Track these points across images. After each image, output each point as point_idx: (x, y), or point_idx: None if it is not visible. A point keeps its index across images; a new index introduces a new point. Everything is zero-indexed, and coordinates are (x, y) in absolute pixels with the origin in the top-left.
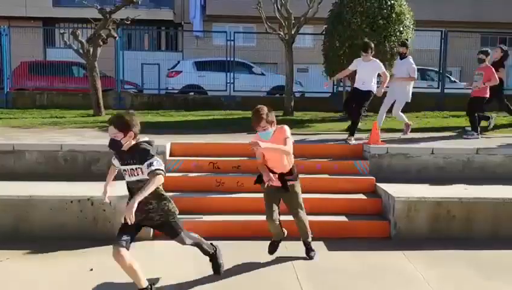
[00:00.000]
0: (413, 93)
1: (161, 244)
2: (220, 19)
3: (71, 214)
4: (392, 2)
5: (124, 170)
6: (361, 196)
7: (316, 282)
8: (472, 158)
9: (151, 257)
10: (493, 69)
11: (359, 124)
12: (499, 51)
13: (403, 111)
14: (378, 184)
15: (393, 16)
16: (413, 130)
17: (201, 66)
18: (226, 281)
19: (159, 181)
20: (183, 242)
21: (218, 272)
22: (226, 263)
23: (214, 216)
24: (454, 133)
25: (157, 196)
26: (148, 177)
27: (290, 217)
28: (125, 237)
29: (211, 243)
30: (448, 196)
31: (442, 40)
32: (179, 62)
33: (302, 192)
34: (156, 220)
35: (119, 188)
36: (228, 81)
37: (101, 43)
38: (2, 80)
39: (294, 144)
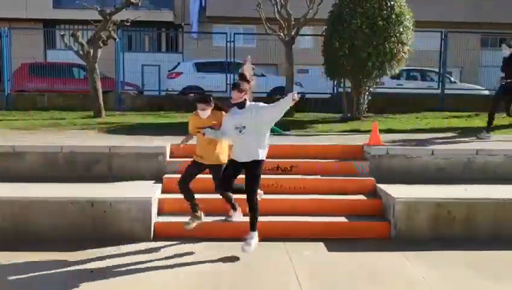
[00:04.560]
0: (414, 94)
1: (161, 244)
2: (220, 20)
3: (71, 215)
4: (392, 2)
5: None
6: (362, 197)
7: (315, 283)
8: (472, 159)
9: (152, 256)
10: None
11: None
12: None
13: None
14: (378, 185)
15: (393, 16)
16: (414, 131)
17: (201, 67)
18: (227, 281)
19: None
20: None
21: None
22: (227, 263)
23: (214, 217)
24: (455, 134)
25: None
26: None
27: (291, 218)
28: None
29: None
30: (448, 196)
31: (442, 41)
32: (179, 63)
33: (302, 193)
34: None
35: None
36: (228, 83)
37: (101, 44)
38: (3, 82)
39: (293, 145)
